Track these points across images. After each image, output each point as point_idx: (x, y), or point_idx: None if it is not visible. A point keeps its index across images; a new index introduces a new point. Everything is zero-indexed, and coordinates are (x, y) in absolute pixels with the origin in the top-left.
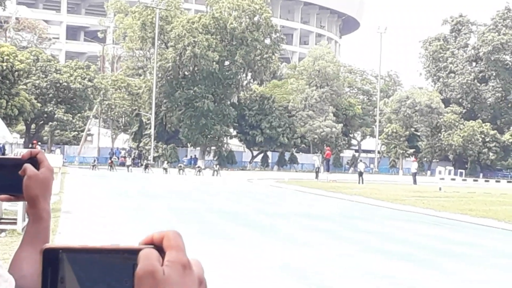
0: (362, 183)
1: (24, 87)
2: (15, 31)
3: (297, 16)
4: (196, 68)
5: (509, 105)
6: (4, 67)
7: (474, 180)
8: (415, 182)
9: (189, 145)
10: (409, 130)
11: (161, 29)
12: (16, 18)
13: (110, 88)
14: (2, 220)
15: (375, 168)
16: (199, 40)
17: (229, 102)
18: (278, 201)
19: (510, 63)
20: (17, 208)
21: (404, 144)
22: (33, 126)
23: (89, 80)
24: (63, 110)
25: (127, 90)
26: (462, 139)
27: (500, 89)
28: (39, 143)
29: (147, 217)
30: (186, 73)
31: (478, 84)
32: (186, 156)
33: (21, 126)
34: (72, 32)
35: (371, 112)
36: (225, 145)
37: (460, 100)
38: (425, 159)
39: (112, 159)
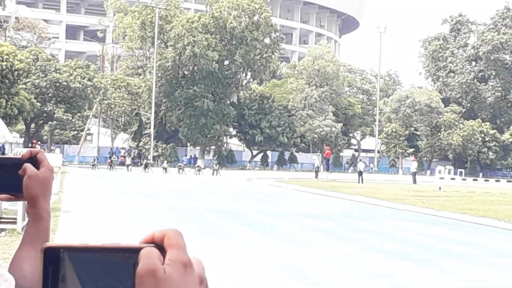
0: (362, 182)
1: (24, 86)
2: (15, 31)
3: (296, 16)
4: (195, 68)
5: (509, 104)
6: (4, 67)
7: (474, 180)
8: (414, 181)
9: (188, 144)
10: (408, 129)
11: (161, 29)
12: (16, 18)
13: (109, 87)
14: (2, 220)
15: (375, 167)
16: (199, 40)
17: (228, 102)
18: (277, 200)
19: (510, 63)
20: (17, 207)
21: (404, 143)
22: (32, 125)
23: (89, 80)
24: (62, 109)
25: (126, 90)
26: (461, 139)
27: (500, 88)
28: (39, 142)
29: (146, 217)
30: (185, 72)
31: (478, 84)
32: (186, 155)
33: (21, 126)
34: (72, 32)
35: (370, 112)
36: (225, 145)
37: (459, 100)
38: (425, 158)
39: (112, 159)
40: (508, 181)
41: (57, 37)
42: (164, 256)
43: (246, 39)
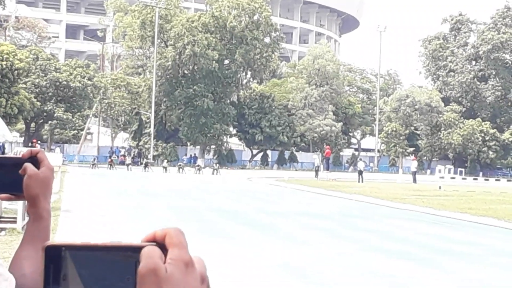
0: (362, 181)
1: (24, 86)
2: (15, 30)
3: (296, 15)
4: (195, 67)
5: (509, 103)
6: (4, 66)
7: (474, 179)
8: (414, 180)
9: (188, 143)
10: (408, 128)
11: (161, 28)
12: (16, 17)
13: (109, 86)
14: (2, 219)
15: (375, 166)
16: (199, 39)
17: (228, 101)
18: (277, 200)
19: (510, 62)
20: (17, 207)
21: (404, 142)
22: (32, 125)
23: (89, 79)
24: (62, 108)
25: (126, 89)
26: (461, 138)
27: (500, 87)
28: (39, 141)
29: (146, 216)
30: (185, 72)
31: (478, 83)
32: (186, 155)
33: (21, 125)
34: (72, 31)
35: (370, 111)
36: (225, 144)
37: (459, 99)
38: (425, 157)
39: (112, 158)
40: (508, 180)
41: (57, 37)
42: (165, 255)
43: (246, 38)
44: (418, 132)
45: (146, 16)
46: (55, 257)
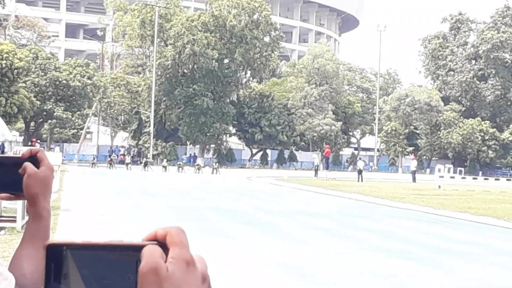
0: (362, 181)
1: (24, 85)
2: (15, 29)
3: (296, 14)
4: (195, 66)
5: (509, 103)
6: (4, 65)
7: (474, 178)
8: (414, 180)
9: (188, 143)
10: (408, 128)
11: (160, 27)
12: (16, 16)
13: (109, 86)
14: (2, 218)
15: (375, 166)
16: (199, 38)
17: (228, 100)
18: (277, 199)
19: (510, 61)
20: (17, 206)
21: (404, 142)
22: (32, 124)
23: (89, 78)
24: (62, 108)
25: (126, 88)
26: (461, 137)
27: (500, 87)
28: (38, 141)
29: (146, 215)
30: (185, 71)
31: (478, 82)
32: (186, 154)
33: (20, 124)
34: (72, 30)
35: (370, 110)
36: (225, 143)
37: (459, 98)
38: (425, 157)
39: (112, 157)
40: (507, 180)
41: (57, 36)
42: (166, 254)
43: (246, 37)
44: (417, 132)
45: (145, 15)
46: (56, 256)
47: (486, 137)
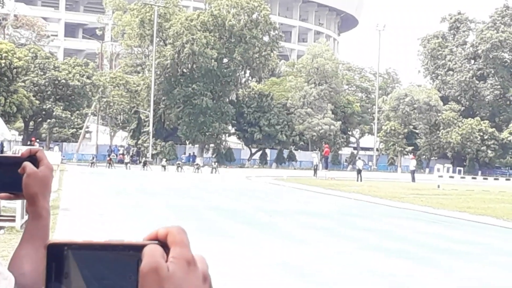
0: (361, 180)
1: (23, 84)
2: (14, 28)
3: (295, 14)
4: (194, 66)
5: (508, 102)
6: (3, 64)
7: (473, 178)
8: (413, 179)
9: (187, 142)
10: (407, 127)
11: (160, 27)
12: (15, 15)
13: (108, 85)
14: (1, 217)
15: (374, 165)
16: (198, 38)
17: (227, 100)
18: (276, 198)
19: (509, 61)
20: (16, 205)
21: (403, 141)
22: (31, 123)
23: (88, 78)
24: (61, 107)
25: (125, 88)
26: (460, 137)
27: (499, 86)
28: (38, 140)
29: (145, 215)
30: (184, 70)
31: (477, 82)
32: (185, 153)
33: (20, 123)
34: (71, 29)
35: (369, 110)
36: (224, 143)
37: (458, 98)
38: (424, 156)
39: (111, 157)
40: (506, 179)
41: (56, 35)
42: (167, 254)
43: (245, 37)
44: (417, 131)
45: (145, 14)
46: (57, 255)
47: (485, 137)
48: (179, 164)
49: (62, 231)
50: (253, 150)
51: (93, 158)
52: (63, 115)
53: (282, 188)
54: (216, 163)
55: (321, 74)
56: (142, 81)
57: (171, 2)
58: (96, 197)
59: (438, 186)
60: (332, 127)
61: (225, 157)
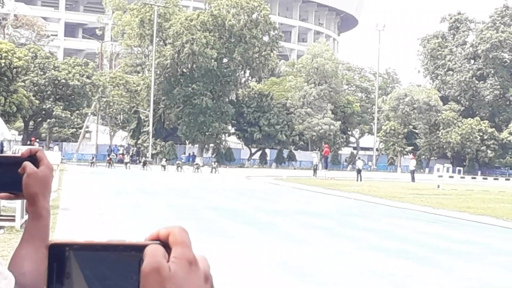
0: (360, 180)
1: (22, 84)
2: (14, 28)
3: (295, 14)
4: (194, 65)
5: (507, 102)
6: (2, 64)
7: (472, 178)
8: (413, 179)
9: (187, 142)
10: (407, 127)
11: (160, 26)
12: (15, 15)
13: (108, 85)
14: (1, 217)
15: (373, 165)
16: (197, 38)
17: (227, 100)
18: (276, 198)
19: (508, 61)
20: (15, 205)
21: (403, 141)
22: (31, 123)
23: (88, 77)
24: (61, 107)
25: (125, 87)
26: (460, 137)
27: (499, 86)
28: (37, 140)
29: (145, 214)
30: (184, 70)
31: (477, 82)
32: (184, 153)
33: (19, 123)
34: (71, 29)
35: (369, 110)
36: (223, 142)
37: (458, 98)
38: (423, 156)
39: (111, 156)
40: (506, 179)
41: (56, 35)
42: (169, 254)
43: (245, 37)
44: (416, 131)
45: (144, 14)
46: (58, 255)
47: (485, 137)
48: (179, 164)
49: (62, 231)
50: (253, 150)
51: (93, 158)
52: (63, 115)
53: (282, 188)
54: (216, 163)
55: (321, 74)
56: (142, 81)
57: (171, 2)
58: (96, 197)
59: (438, 186)
60: (332, 127)
61: (225, 157)
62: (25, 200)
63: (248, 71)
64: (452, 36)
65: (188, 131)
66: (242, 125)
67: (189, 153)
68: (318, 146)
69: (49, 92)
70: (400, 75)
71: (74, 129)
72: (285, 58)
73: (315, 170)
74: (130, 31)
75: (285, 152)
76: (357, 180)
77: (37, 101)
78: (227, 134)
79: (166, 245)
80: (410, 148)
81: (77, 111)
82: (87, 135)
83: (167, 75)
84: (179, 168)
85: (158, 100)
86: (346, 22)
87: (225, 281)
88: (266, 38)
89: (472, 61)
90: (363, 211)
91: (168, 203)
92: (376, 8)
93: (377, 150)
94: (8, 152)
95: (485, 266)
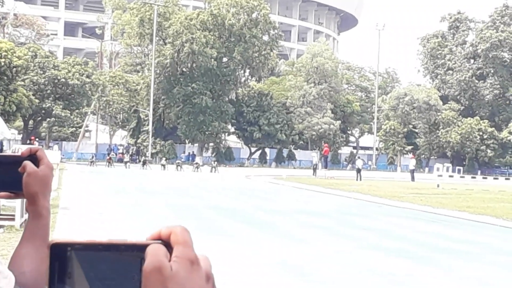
0: (360, 180)
1: (22, 83)
2: (13, 27)
3: (295, 13)
4: (194, 65)
5: (507, 102)
6: (2, 63)
7: (472, 177)
8: (413, 179)
9: (187, 141)
10: (407, 127)
11: (159, 26)
12: (14, 14)
13: (108, 84)
14: (0, 216)
15: (373, 165)
16: (197, 37)
17: (227, 99)
18: (275, 197)
19: (508, 60)
20: (15, 204)
21: (402, 141)
22: (31, 122)
23: (87, 77)
24: (61, 106)
25: (125, 87)
26: (460, 136)
27: (498, 86)
28: (37, 139)
29: (145, 214)
30: (184, 69)
31: (476, 81)
32: (184, 152)
33: (19, 122)
34: (70, 28)
35: (369, 109)
36: (223, 142)
37: (458, 97)
38: (423, 156)
39: (110, 156)
40: (506, 179)
41: (56, 34)
42: (170, 253)
43: (245, 36)
44: (416, 130)
45: (144, 13)
46: (60, 255)
47: (485, 136)
48: (178, 163)
49: (61, 230)
50: (253, 149)
51: (92, 157)
52: (63, 114)
53: (281, 187)
54: (216, 162)
55: (321, 74)
56: (141, 80)
57: (170, 1)
58: (95, 196)
59: (438, 186)
60: (331, 126)
61: (225, 156)
62: (25, 199)
63: (248, 71)
64: (452, 35)
65: (187, 130)
66: (242, 124)
67: (189, 152)
68: (318, 145)
69: (48, 91)
70: (400, 75)
71: (74, 128)
72: (285, 57)
73: (314, 169)
74: (130, 30)
75: (285, 152)
76: (357, 180)
77: (36, 100)
78: (226, 134)
79: (167, 245)
80: (409, 147)
81: (77, 110)
82: (86, 134)
83: (166, 74)
84: (179, 167)
85: (157, 99)
86: (346, 21)
87: (224, 281)
88: (266, 38)
89: (472, 61)
90: (363, 211)
91: (168, 202)
92: (376, 7)
93: (376, 149)
94: (8, 151)
95: (485, 265)
